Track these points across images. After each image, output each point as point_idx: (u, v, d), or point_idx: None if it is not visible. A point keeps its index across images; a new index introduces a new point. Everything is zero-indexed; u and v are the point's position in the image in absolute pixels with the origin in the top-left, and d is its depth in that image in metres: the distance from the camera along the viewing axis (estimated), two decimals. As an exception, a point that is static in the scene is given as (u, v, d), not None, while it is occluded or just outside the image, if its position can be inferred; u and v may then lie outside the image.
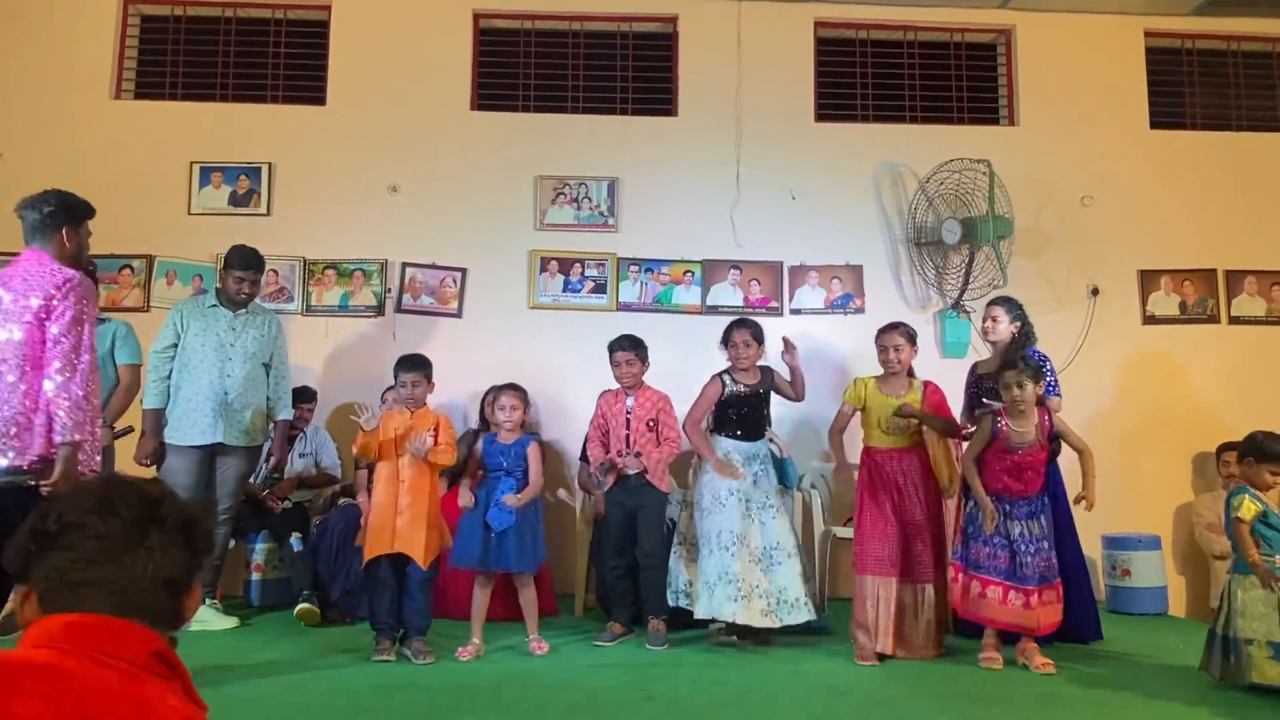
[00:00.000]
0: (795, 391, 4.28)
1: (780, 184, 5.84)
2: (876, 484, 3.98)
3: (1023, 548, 3.63)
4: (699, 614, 3.94)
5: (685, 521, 4.27)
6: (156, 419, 4.29)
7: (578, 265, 5.72)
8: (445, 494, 4.28)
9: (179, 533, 1.20)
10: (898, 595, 3.84)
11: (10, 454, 2.87)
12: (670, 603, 4.13)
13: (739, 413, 4.19)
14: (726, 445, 4.17)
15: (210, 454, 4.29)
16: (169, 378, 4.31)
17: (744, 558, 3.91)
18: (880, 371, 4.11)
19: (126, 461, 4.40)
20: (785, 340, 4.26)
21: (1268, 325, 5.87)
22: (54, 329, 2.90)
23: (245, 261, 4.35)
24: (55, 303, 2.91)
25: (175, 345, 4.32)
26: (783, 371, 4.31)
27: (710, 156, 5.84)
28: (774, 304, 5.75)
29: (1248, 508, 3.32)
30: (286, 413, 4.54)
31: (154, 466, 4.31)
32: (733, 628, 3.93)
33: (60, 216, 3.08)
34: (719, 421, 4.25)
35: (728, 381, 4.21)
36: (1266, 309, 5.88)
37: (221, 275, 4.59)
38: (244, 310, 4.42)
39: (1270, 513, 3.33)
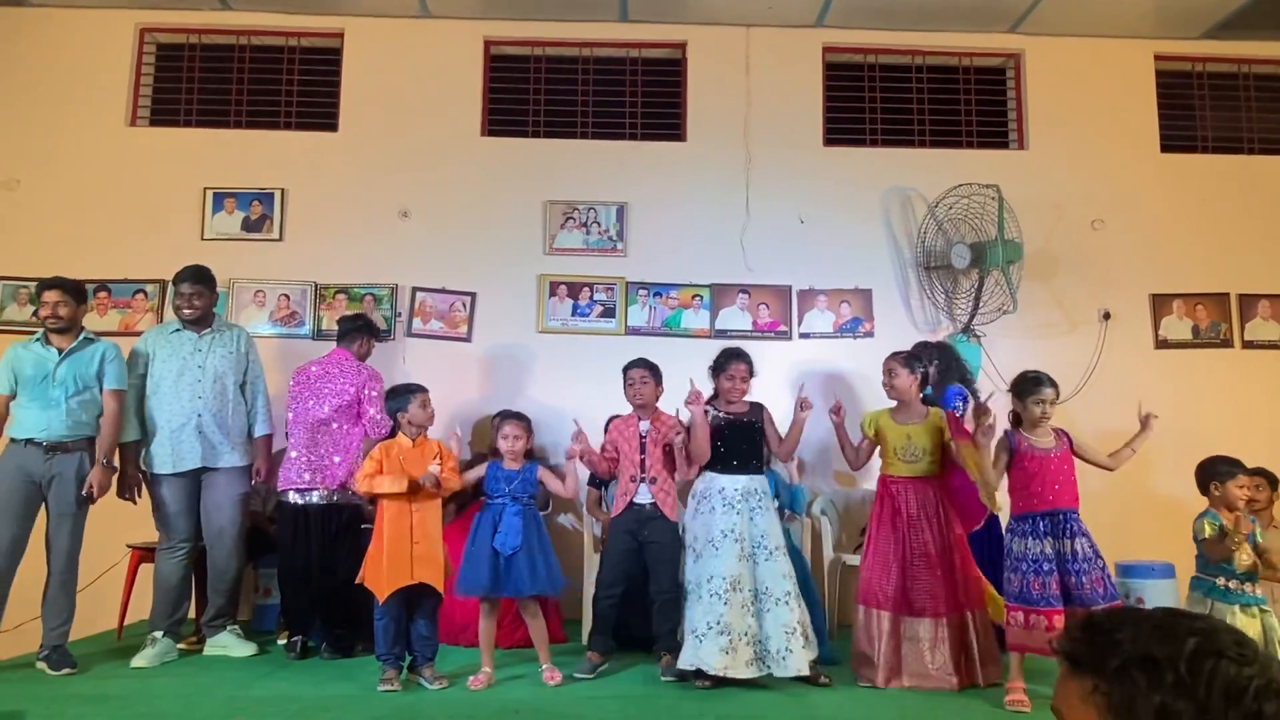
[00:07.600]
0: (782, 446, 4.02)
1: (789, 208, 5.84)
2: (890, 514, 3.92)
3: (1074, 567, 3.52)
4: (682, 664, 3.67)
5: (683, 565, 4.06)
6: (134, 452, 4.27)
7: (586, 289, 5.74)
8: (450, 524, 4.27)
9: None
10: (893, 627, 3.76)
11: None
12: None
13: (726, 443, 3.96)
14: (718, 481, 3.93)
15: (196, 480, 4.26)
16: (142, 408, 4.28)
17: (735, 604, 3.65)
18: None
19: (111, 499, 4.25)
20: (802, 401, 3.99)
21: (1282, 349, 5.81)
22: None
23: (183, 276, 4.35)
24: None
25: (144, 375, 4.30)
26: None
27: (719, 181, 5.85)
28: (783, 328, 5.75)
29: (1208, 527, 3.68)
30: (265, 427, 4.51)
31: (134, 499, 4.26)
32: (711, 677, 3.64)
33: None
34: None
35: (709, 411, 4.01)
36: (1280, 333, 5.82)
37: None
38: (209, 330, 4.39)
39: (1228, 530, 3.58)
